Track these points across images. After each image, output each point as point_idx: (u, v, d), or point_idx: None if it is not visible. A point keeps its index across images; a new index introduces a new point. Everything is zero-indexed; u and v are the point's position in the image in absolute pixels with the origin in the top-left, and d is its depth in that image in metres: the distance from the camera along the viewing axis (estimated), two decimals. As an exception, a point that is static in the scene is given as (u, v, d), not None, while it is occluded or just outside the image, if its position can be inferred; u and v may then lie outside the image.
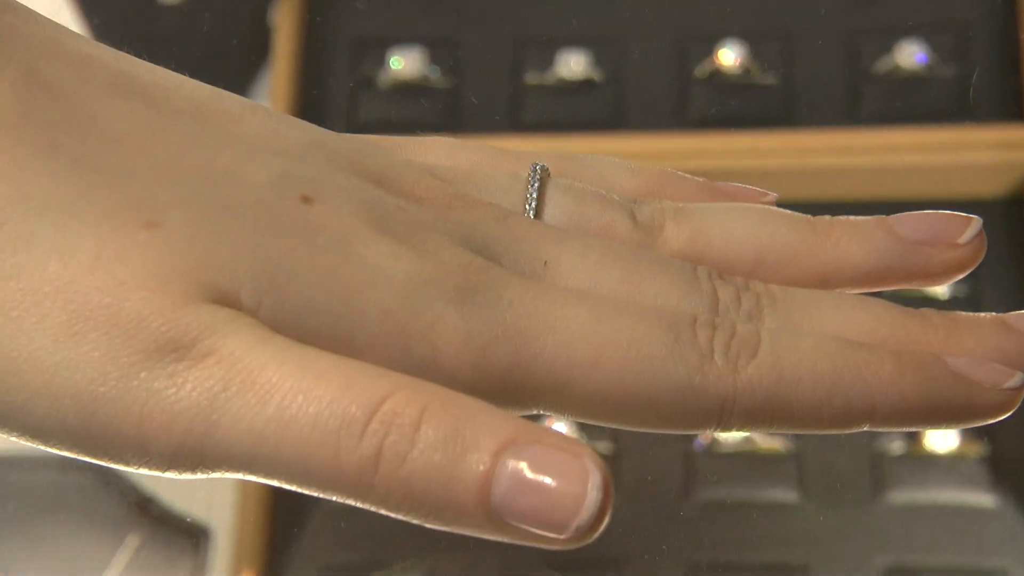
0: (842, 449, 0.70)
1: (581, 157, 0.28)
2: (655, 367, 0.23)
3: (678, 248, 0.26)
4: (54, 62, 0.24)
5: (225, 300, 0.22)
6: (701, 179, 0.28)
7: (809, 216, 0.26)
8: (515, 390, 0.23)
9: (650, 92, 0.76)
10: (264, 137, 0.25)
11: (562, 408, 0.24)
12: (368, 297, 0.22)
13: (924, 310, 0.25)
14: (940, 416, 0.24)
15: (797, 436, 0.71)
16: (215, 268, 0.22)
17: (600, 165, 0.28)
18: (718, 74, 0.75)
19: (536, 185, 0.26)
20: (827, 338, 0.24)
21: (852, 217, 0.27)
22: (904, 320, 0.25)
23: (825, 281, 0.26)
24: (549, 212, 0.26)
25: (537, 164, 0.26)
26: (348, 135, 0.27)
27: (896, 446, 0.69)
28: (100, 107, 0.24)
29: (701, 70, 0.76)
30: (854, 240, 0.26)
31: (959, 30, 0.75)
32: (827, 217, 0.26)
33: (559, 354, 0.23)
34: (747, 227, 0.26)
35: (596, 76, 0.76)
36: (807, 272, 0.26)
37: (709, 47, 0.75)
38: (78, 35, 0.25)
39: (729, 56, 0.75)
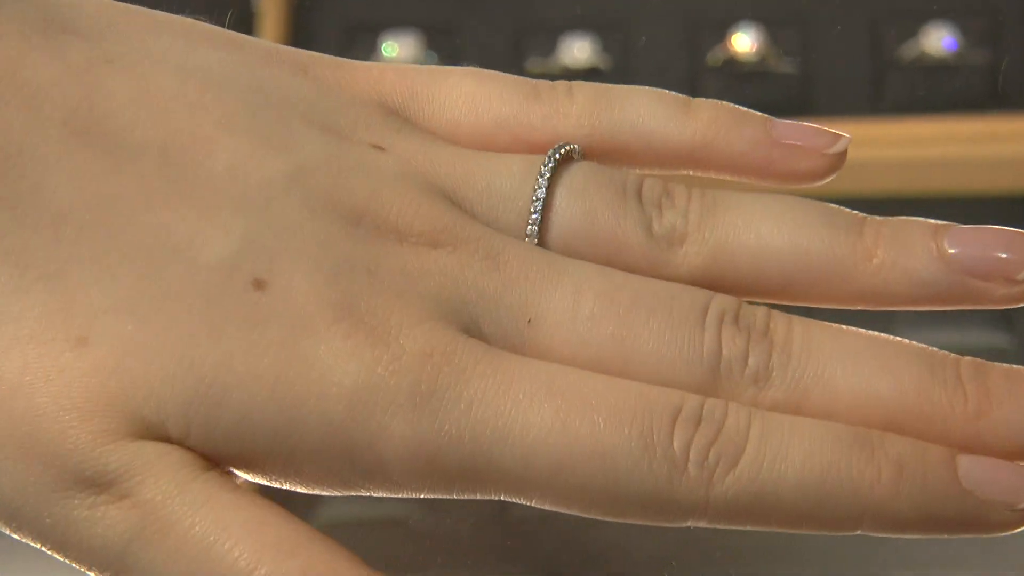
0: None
1: (621, 97, 0.26)
2: (620, 479, 0.22)
3: (698, 264, 0.25)
4: (2, 107, 0.23)
5: (151, 431, 0.22)
6: (761, 122, 0.26)
7: (855, 222, 0.25)
8: (469, 487, 0.23)
9: (659, 81, 0.74)
10: (233, 174, 0.24)
11: (521, 500, 0.23)
12: (311, 409, 0.22)
13: (961, 369, 0.24)
14: (938, 530, 0.23)
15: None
16: (141, 397, 0.22)
17: (641, 108, 0.26)
18: (732, 62, 0.74)
19: (544, 190, 0.24)
20: (823, 436, 0.23)
21: (902, 225, 0.25)
22: (931, 390, 0.23)
23: (859, 302, 0.25)
24: (555, 221, 0.25)
25: (559, 149, 0.25)
26: (360, 75, 0.26)
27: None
28: (46, 169, 0.23)
29: (713, 57, 0.75)
30: (898, 264, 0.24)
31: (990, 14, 0.73)
32: (874, 227, 0.25)
33: (516, 463, 0.22)
34: (780, 242, 0.24)
35: (602, 64, 0.75)
36: (840, 296, 0.25)
37: (722, 32, 0.74)
38: (43, 41, 0.24)
39: (744, 42, 0.73)
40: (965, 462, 0.23)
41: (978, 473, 0.23)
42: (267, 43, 0.26)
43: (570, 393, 0.23)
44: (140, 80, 0.24)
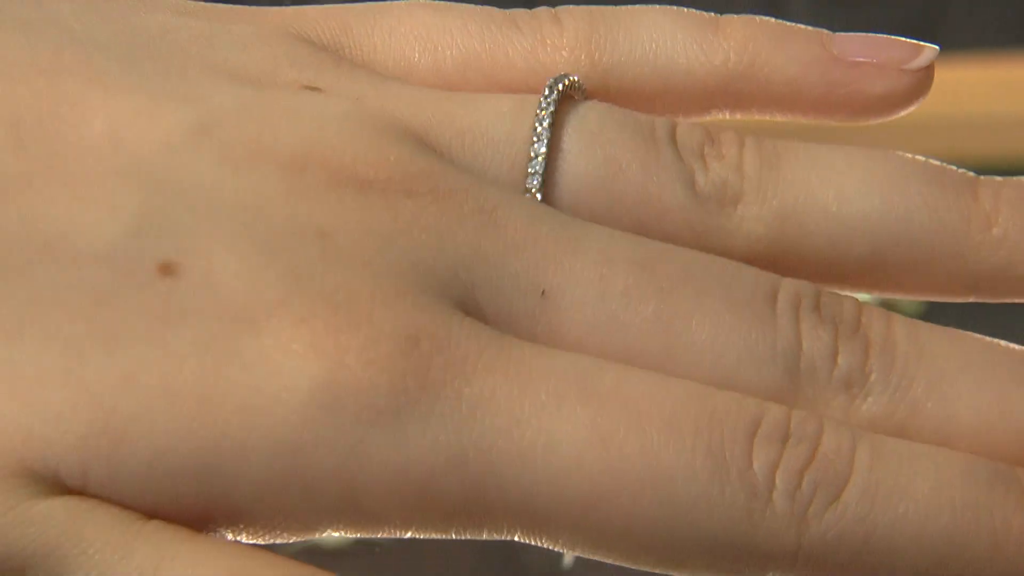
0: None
1: (626, 20, 0.22)
2: (679, 514, 0.19)
3: (759, 234, 0.21)
4: None
5: (50, 486, 0.18)
6: (815, 36, 0.22)
7: (967, 182, 0.21)
8: (472, 523, 0.19)
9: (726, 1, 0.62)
10: (116, 139, 0.20)
11: (544, 542, 0.20)
12: (251, 429, 0.18)
13: None
14: None
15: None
16: (20, 444, 0.18)
17: (654, 32, 0.22)
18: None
19: (547, 131, 0.21)
20: (951, 469, 0.19)
21: None
22: None
23: (972, 291, 0.22)
24: (563, 173, 0.21)
25: (559, 81, 0.21)
26: (270, 14, 0.22)
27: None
28: None
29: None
30: None
31: None
32: (992, 189, 0.21)
33: (539, 490, 0.19)
34: (868, 204, 0.21)
35: None
36: (946, 281, 0.21)
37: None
38: None
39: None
40: None
41: None
42: None
43: (610, 395, 0.19)
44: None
